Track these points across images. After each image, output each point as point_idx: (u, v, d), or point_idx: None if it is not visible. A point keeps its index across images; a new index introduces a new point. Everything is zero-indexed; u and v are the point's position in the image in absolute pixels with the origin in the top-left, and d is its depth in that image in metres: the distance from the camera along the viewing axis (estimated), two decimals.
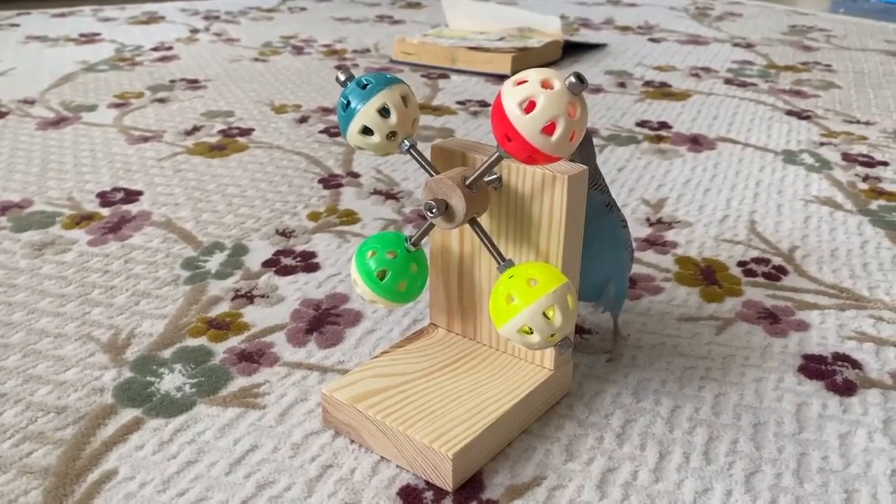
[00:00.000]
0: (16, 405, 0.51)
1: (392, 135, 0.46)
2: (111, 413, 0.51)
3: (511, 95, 0.41)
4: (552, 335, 0.43)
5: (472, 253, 0.52)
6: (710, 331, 0.61)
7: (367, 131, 0.46)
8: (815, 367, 0.56)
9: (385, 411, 0.47)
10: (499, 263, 0.46)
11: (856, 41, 1.67)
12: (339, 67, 1.38)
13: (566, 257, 0.48)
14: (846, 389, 0.54)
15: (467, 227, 0.50)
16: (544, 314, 0.42)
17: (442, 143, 0.50)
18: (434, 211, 0.45)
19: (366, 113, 0.45)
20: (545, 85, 0.40)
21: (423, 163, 0.47)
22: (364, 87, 0.46)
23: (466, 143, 0.51)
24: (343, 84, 0.47)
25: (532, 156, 0.41)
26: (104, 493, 0.44)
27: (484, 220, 0.50)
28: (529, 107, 0.40)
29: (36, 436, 0.49)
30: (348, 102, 0.46)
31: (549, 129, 0.40)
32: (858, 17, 1.96)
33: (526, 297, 0.42)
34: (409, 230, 0.76)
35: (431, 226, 0.47)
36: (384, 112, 0.45)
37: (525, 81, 0.41)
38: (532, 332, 0.43)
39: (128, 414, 0.51)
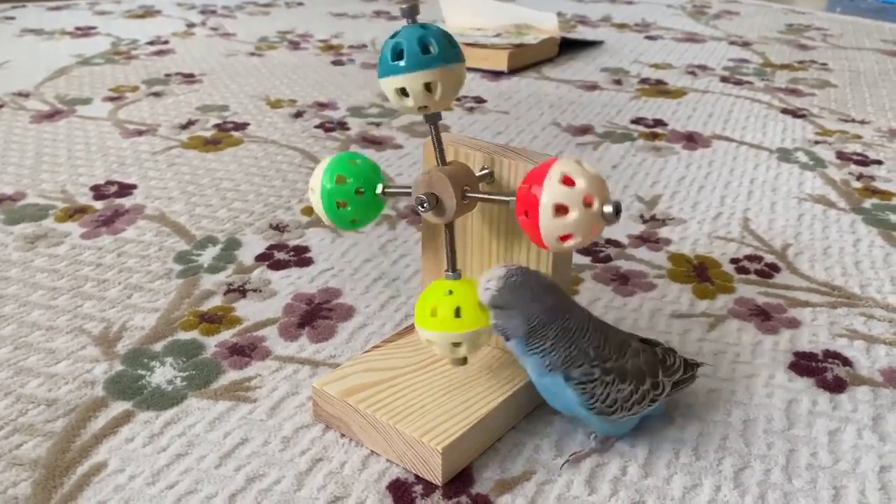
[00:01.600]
0: (6, 397, 0.51)
1: (424, 108, 0.45)
2: (102, 406, 0.51)
3: (552, 193, 0.40)
4: (456, 357, 0.47)
5: (463, 249, 0.52)
6: (701, 327, 0.61)
7: (404, 93, 0.44)
8: (806, 365, 0.56)
9: (375, 405, 0.47)
10: (449, 270, 0.46)
11: (852, 40, 1.67)
12: (335, 63, 1.38)
13: (556, 260, 0.48)
14: (836, 386, 0.54)
15: (461, 224, 0.51)
16: (453, 344, 0.45)
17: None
18: (425, 205, 0.45)
19: (413, 80, 0.43)
20: (587, 202, 0.40)
21: (437, 144, 0.47)
22: (426, 50, 0.43)
23: (460, 139, 0.51)
24: (408, 17, 0.44)
25: (533, 237, 0.42)
26: (94, 485, 0.44)
27: (474, 221, 0.50)
28: (561, 212, 0.40)
29: (26, 428, 0.49)
30: (401, 54, 0.43)
31: (564, 238, 0.41)
32: (855, 17, 1.96)
33: (444, 324, 0.45)
34: (402, 226, 0.76)
35: (409, 189, 0.47)
36: (430, 87, 0.44)
37: (573, 184, 0.41)
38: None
39: (118, 407, 0.51)
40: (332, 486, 0.45)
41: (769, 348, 0.58)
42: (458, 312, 0.44)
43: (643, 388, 0.46)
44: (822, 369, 0.56)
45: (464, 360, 0.48)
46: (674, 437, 0.49)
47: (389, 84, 0.44)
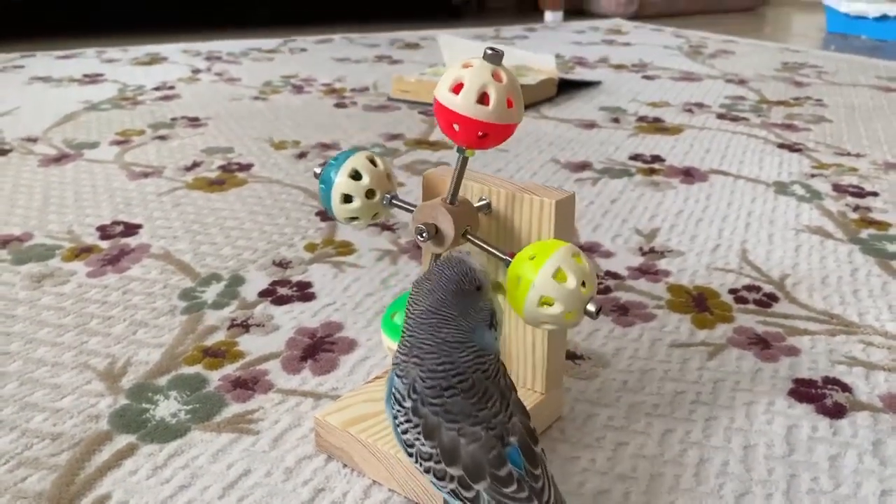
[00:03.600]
0: (11, 432, 0.52)
1: (370, 193, 0.48)
2: (106, 439, 0.51)
3: (441, 86, 0.43)
4: (574, 299, 0.41)
5: None
6: (701, 356, 0.61)
7: (347, 199, 0.49)
8: (806, 391, 0.57)
9: (376, 435, 0.47)
10: (506, 263, 0.45)
11: (847, 77, 1.70)
12: (338, 105, 1.40)
13: None
14: (836, 412, 0.54)
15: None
16: (554, 278, 0.41)
17: (431, 172, 0.51)
18: (424, 234, 0.46)
19: (340, 182, 0.48)
20: (465, 66, 0.43)
21: (409, 208, 0.48)
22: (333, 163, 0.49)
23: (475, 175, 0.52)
24: (318, 175, 0.50)
25: (483, 131, 0.43)
26: None
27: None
28: (458, 87, 0.43)
29: (31, 461, 0.49)
30: (324, 184, 0.49)
31: (484, 100, 0.43)
32: (849, 55, 1.99)
33: (530, 269, 0.42)
34: (404, 260, 0.77)
35: (434, 256, 0.48)
36: (356, 176, 0.48)
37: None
38: (553, 303, 0.41)
39: (122, 440, 0.51)
40: None
41: (769, 376, 0.59)
42: (531, 258, 0.42)
43: (452, 473, 0.38)
44: (821, 395, 0.56)
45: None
46: (675, 462, 0.49)
47: (335, 202, 0.49)
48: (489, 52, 0.43)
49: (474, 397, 0.38)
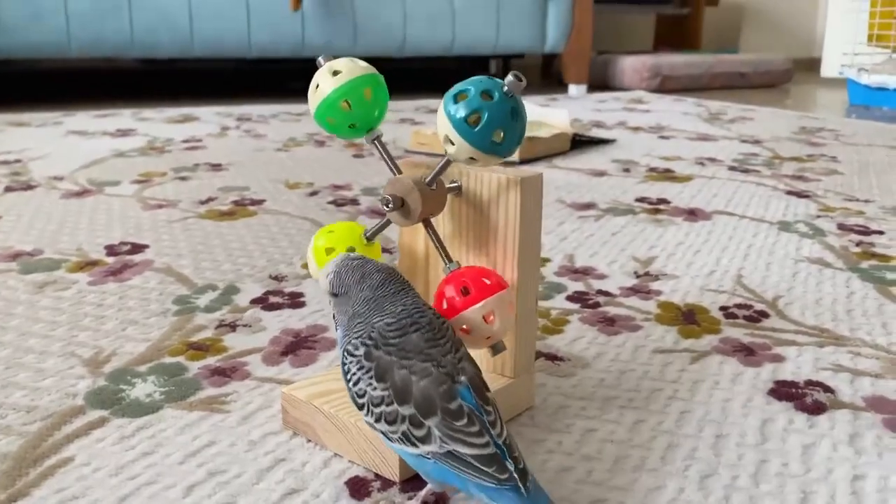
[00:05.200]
0: None
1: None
2: (79, 412, 0.52)
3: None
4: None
5: (437, 257, 0.53)
6: (683, 361, 0.60)
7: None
8: (786, 391, 0.55)
9: (339, 406, 0.47)
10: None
11: (864, 139, 1.70)
12: (356, 156, 1.44)
13: (521, 260, 0.49)
14: (815, 409, 0.53)
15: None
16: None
17: (411, 159, 0.53)
18: (390, 205, 0.47)
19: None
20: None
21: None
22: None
23: (434, 161, 0.53)
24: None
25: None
26: (58, 475, 0.45)
27: (445, 224, 0.52)
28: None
29: (2, 429, 0.50)
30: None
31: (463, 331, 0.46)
32: (869, 121, 2.00)
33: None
34: None
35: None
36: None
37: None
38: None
39: (95, 414, 0.52)
40: (291, 481, 0.45)
41: (750, 378, 0.58)
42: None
43: (403, 413, 0.38)
44: (801, 395, 0.55)
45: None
46: (643, 446, 0.48)
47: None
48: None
49: (429, 332, 0.40)
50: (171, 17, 2.13)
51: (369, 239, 0.50)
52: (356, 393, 0.40)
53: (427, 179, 0.47)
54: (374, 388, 0.39)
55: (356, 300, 0.42)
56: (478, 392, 0.39)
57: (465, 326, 0.45)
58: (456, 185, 0.51)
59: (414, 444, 0.38)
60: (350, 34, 2.33)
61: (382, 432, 0.39)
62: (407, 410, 0.38)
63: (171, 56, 2.19)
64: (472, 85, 0.44)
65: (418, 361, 0.39)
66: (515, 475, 0.36)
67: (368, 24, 2.34)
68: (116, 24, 2.07)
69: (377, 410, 0.39)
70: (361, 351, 0.40)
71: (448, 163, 0.48)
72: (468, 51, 2.48)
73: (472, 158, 0.45)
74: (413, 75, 3.02)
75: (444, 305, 0.46)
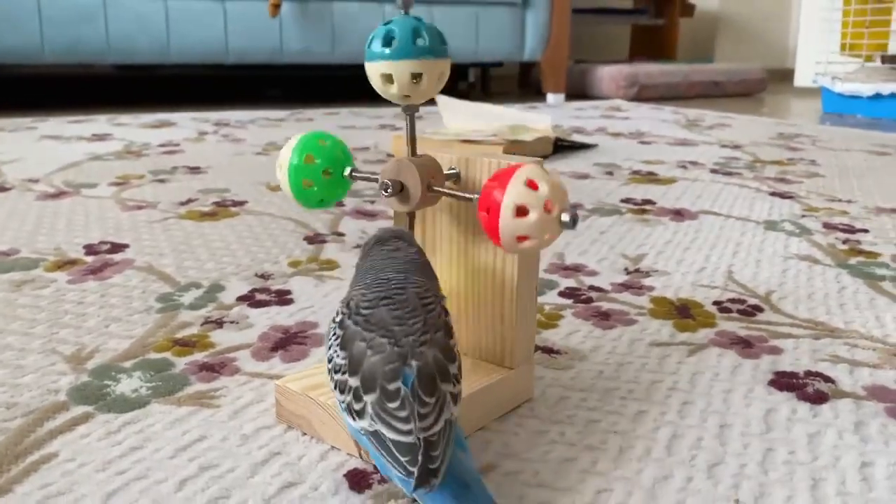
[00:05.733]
0: None
1: (406, 97, 0.46)
2: (62, 409, 0.50)
3: (515, 195, 0.41)
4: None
5: (433, 249, 0.52)
6: (680, 353, 0.60)
7: (389, 80, 0.45)
8: (787, 381, 0.55)
9: None
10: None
11: (841, 144, 1.72)
12: None
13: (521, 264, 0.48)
14: (818, 399, 0.52)
15: (430, 224, 0.51)
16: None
17: (400, 134, 0.52)
18: (389, 189, 0.46)
19: (401, 68, 0.44)
20: (547, 207, 0.41)
21: (411, 135, 0.48)
22: (416, 41, 0.44)
23: (433, 140, 0.52)
24: (403, 9, 0.45)
25: (491, 235, 0.43)
26: (42, 471, 0.43)
27: (442, 213, 0.51)
28: (521, 213, 0.41)
29: None
30: (391, 41, 0.44)
31: (521, 239, 0.42)
32: (844, 128, 2.02)
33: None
34: None
35: (377, 175, 0.48)
36: (416, 76, 0.45)
37: (536, 188, 0.41)
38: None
39: (79, 410, 0.50)
40: (287, 474, 0.43)
41: (749, 369, 0.57)
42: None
43: (351, 384, 0.38)
44: (802, 385, 0.54)
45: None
46: (647, 437, 0.47)
47: (376, 69, 0.45)
48: (567, 220, 0.41)
49: (399, 310, 0.39)
50: (148, 23, 2.10)
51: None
52: (328, 358, 0.41)
53: (408, 153, 0.47)
54: (338, 355, 0.39)
55: (360, 269, 0.43)
56: (424, 380, 0.37)
57: (521, 234, 0.41)
58: (454, 171, 0.50)
59: (353, 418, 0.38)
60: (328, 41, 2.32)
61: (338, 401, 0.39)
62: (354, 382, 0.38)
63: (147, 62, 2.17)
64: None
65: (378, 336, 0.39)
66: (414, 471, 0.35)
67: (347, 31, 2.33)
68: (92, 29, 2.05)
69: (335, 377, 0.39)
70: (339, 318, 0.41)
71: (413, 124, 0.47)
72: None
73: (415, 74, 0.44)
74: None
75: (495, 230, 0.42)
